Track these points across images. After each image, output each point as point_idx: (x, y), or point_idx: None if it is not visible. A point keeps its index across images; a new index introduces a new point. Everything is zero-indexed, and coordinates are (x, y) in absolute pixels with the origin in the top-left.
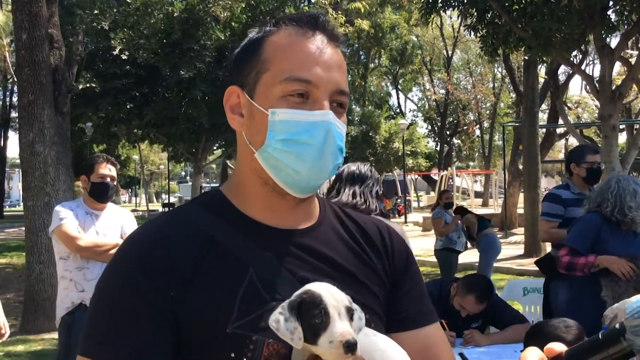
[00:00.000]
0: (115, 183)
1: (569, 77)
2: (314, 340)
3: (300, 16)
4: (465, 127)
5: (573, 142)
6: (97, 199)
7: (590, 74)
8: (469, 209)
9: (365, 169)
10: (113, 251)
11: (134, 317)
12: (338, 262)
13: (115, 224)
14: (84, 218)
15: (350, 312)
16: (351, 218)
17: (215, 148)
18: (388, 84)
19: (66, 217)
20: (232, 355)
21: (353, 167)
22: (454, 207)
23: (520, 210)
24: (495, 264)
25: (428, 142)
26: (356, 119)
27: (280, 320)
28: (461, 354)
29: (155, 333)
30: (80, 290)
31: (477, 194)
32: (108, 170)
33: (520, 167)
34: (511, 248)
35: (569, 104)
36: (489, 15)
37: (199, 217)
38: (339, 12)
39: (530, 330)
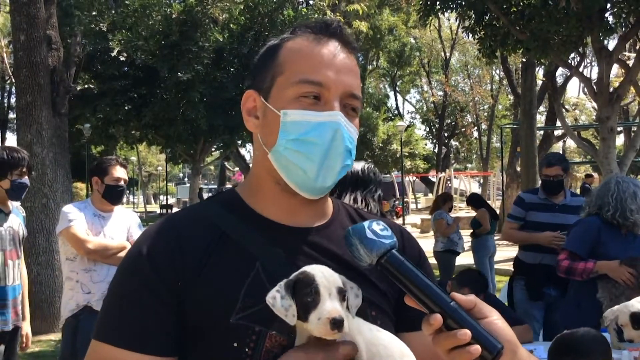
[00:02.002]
0: (125, 185)
1: (567, 79)
2: (305, 317)
3: (316, 24)
4: (463, 129)
5: (571, 144)
6: (111, 201)
7: (588, 76)
8: (486, 202)
9: (367, 171)
10: (121, 254)
11: (141, 308)
12: (347, 260)
13: (122, 226)
14: (92, 220)
15: (342, 293)
16: (364, 219)
17: (213, 150)
18: (386, 85)
19: (75, 219)
20: (235, 345)
21: (358, 166)
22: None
23: None
24: (494, 266)
25: (426, 144)
26: None
27: (276, 297)
28: None
29: (161, 324)
30: (86, 292)
31: None
32: (123, 172)
33: (518, 169)
34: (510, 249)
35: (566, 106)
36: (487, 17)
37: (213, 213)
38: (337, 13)
39: (558, 347)
